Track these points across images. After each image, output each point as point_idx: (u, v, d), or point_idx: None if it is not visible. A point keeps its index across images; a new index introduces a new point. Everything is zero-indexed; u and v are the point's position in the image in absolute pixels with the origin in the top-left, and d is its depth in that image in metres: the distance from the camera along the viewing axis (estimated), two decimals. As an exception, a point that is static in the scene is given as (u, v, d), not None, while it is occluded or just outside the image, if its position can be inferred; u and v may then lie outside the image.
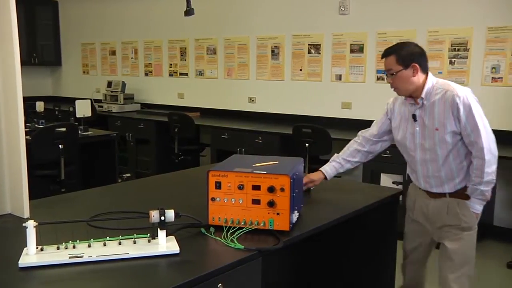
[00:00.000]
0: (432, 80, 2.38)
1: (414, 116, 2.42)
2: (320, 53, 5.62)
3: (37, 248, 1.61)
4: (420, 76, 2.36)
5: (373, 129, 2.65)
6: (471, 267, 2.46)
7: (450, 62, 4.74)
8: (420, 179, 2.50)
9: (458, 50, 4.70)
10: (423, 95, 2.37)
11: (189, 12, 3.94)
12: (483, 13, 4.54)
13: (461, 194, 2.41)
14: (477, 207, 2.40)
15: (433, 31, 4.82)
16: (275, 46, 5.98)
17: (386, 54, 2.39)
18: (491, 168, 2.30)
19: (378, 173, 4.49)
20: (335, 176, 2.65)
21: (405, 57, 2.34)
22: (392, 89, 2.43)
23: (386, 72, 2.40)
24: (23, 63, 2.02)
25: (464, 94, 2.30)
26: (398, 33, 4.97)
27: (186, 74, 6.95)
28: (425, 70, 2.38)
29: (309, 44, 5.70)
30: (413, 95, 2.40)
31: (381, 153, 2.74)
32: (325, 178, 2.59)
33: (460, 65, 4.69)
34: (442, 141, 2.35)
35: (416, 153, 2.45)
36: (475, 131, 2.28)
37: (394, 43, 2.47)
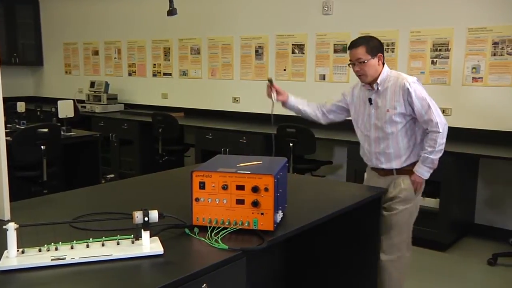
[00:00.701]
0: (387, 70, 2.78)
1: (370, 100, 2.80)
2: (304, 53, 5.64)
3: (18, 250, 1.58)
4: (381, 65, 2.76)
5: (328, 104, 3.08)
6: (410, 235, 2.86)
7: (432, 62, 4.79)
8: (372, 156, 2.86)
9: (440, 50, 4.75)
10: (378, 81, 2.74)
11: (171, 12, 3.92)
12: (463, 14, 4.60)
13: (407, 171, 2.78)
14: (425, 174, 2.75)
15: (416, 31, 4.87)
16: (259, 46, 5.99)
17: (356, 45, 2.75)
18: (443, 139, 2.68)
19: (362, 173, 4.50)
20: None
21: (373, 48, 2.74)
22: (358, 76, 2.77)
23: (354, 61, 2.74)
24: (3, 62, 2.00)
25: (412, 81, 2.70)
26: (381, 33, 4.98)
27: (170, 74, 6.92)
28: (383, 61, 2.78)
29: (293, 44, 5.72)
30: (371, 82, 2.76)
31: (336, 123, 3.13)
32: (286, 101, 3.00)
33: (442, 65, 4.74)
34: (391, 121, 2.73)
35: (370, 132, 2.83)
36: (428, 110, 2.66)
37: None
